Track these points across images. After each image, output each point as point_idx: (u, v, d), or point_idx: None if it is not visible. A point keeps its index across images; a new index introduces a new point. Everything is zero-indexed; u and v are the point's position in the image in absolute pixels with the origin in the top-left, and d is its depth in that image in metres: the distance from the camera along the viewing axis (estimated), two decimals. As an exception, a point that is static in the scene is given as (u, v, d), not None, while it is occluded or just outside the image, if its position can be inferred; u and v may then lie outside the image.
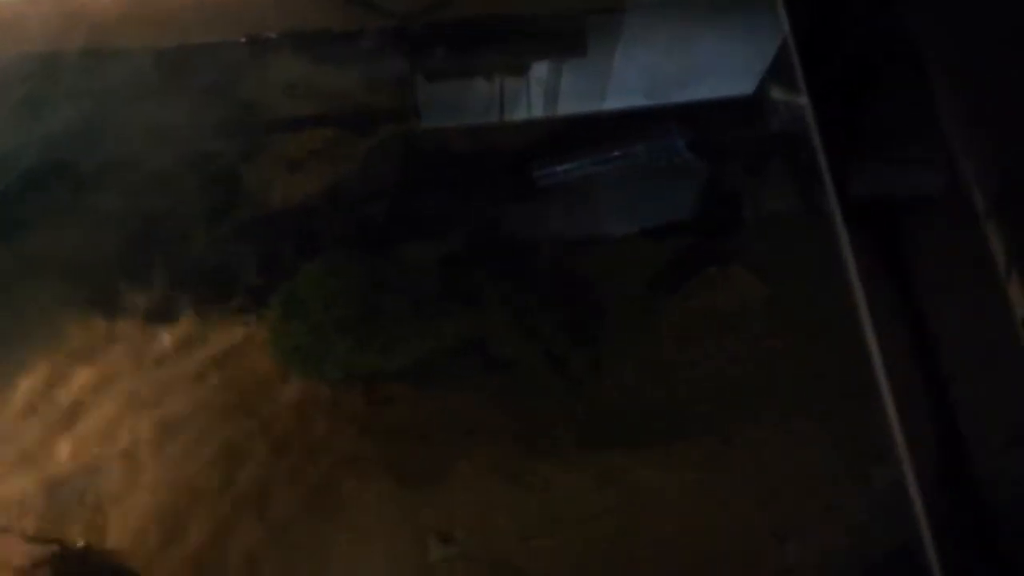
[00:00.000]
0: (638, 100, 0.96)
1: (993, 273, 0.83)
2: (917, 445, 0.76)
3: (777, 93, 0.90)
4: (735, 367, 0.82)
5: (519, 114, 0.95)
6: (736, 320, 0.84)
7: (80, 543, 0.71)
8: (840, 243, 0.83)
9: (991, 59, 0.88)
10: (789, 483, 0.77)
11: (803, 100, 0.85)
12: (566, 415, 0.79)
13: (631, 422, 0.79)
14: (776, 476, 0.77)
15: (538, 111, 0.95)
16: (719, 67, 0.97)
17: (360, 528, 0.74)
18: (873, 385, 0.78)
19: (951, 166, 0.88)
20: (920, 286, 0.89)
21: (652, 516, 0.76)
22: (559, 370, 0.81)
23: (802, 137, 0.87)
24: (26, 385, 0.78)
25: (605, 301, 0.84)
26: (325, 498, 0.74)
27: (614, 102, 0.96)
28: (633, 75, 0.96)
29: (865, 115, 0.95)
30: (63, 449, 0.75)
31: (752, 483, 0.77)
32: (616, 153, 0.90)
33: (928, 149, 0.91)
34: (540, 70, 0.96)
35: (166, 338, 0.80)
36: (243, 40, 0.92)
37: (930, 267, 0.89)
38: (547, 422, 0.79)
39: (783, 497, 0.76)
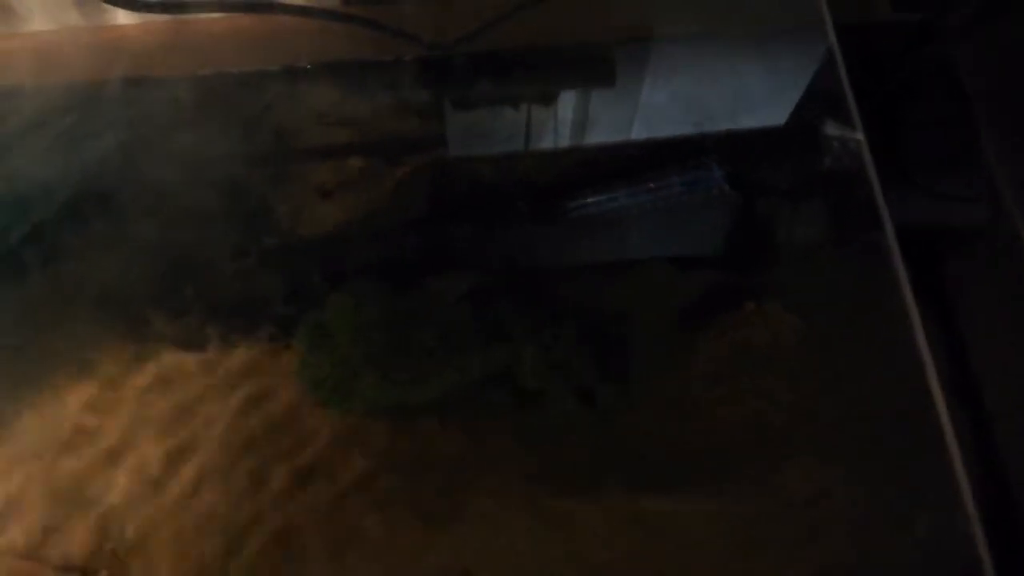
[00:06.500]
0: (674, 131, 0.95)
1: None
2: (963, 490, 0.73)
3: (828, 130, 0.88)
4: (770, 406, 0.80)
5: (551, 144, 0.95)
6: (771, 357, 0.82)
7: (103, 574, 0.71)
8: (891, 280, 0.80)
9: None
10: (826, 529, 0.74)
11: (859, 136, 0.83)
12: (594, 452, 0.78)
13: (660, 460, 0.78)
14: (812, 521, 0.75)
15: (571, 141, 0.95)
16: (757, 98, 0.95)
17: (382, 564, 0.73)
18: (916, 426, 0.76)
19: (994, 202, 0.86)
20: (965, 324, 0.86)
21: (680, 560, 0.74)
22: (587, 405, 0.79)
23: (846, 172, 0.85)
24: (56, 415, 0.79)
25: (636, 335, 0.83)
26: (347, 533, 0.74)
27: (649, 133, 0.95)
28: (668, 106, 0.95)
29: (908, 149, 0.93)
30: (92, 479, 0.76)
31: (787, 528, 0.75)
32: (651, 185, 0.88)
33: (973, 185, 0.89)
34: (572, 100, 0.95)
35: (193, 367, 0.80)
36: (276, 69, 0.93)
37: (975, 305, 0.87)
38: (574, 458, 0.77)
39: (819, 544, 0.74)
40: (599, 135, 0.95)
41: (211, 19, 0.96)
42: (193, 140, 0.90)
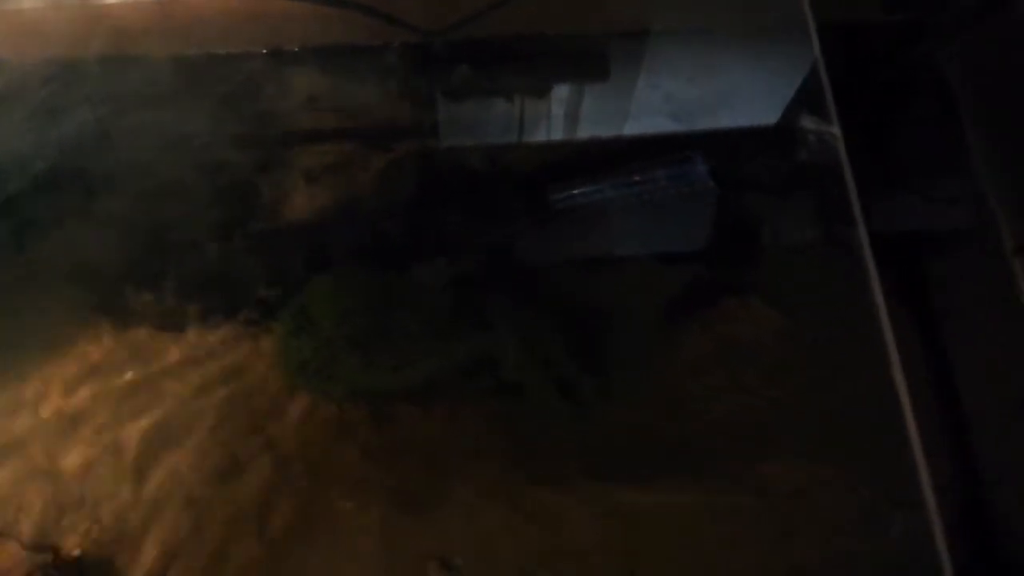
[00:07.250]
0: (660, 126, 0.95)
1: (1019, 310, 0.81)
2: (939, 488, 0.73)
3: (804, 123, 0.89)
4: (749, 401, 0.80)
5: (539, 136, 0.95)
6: (752, 352, 0.82)
7: (75, 552, 0.71)
8: (864, 277, 0.81)
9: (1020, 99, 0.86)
10: (803, 525, 0.75)
11: (835, 131, 0.84)
12: (573, 443, 0.78)
13: (639, 453, 0.78)
14: (789, 517, 0.75)
15: (558, 133, 0.95)
16: (743, 95, 0.96)
17: (360, 551, 0.72)
18: (893, 424, 0.76)
19: (978, 203, 0.86)
20: (944, 322, 0.87)
21: (656, 553, 0.74)
22: (568, 397, 0.79)
23: (826, 168, 0.85)
24: (31, 391, 0.78)
25: (618, 328, 0.83)
26: (325, 519, 0.73)
27: (635, 127, 0.96)
28: (656, 101, 0.96)
29: (892, 150, 0.94)
30: (65, 456, 0.75)
31: (763, 523, 0.75)
32: (636, 178, 0.89)
33: (956, 186, 0.89)
34: (562, 92, 0.96)
35: (173, 348, 0.79)
36: (265, 51, 0.93)
37: (954, 303, 0.87)
38: (553, 449, 0.77)
39: (796, 540, 0.74)
40: (586, 128, 0.96)
41: (200, -1, 0.95)
42: (178, 121, 0.89)
